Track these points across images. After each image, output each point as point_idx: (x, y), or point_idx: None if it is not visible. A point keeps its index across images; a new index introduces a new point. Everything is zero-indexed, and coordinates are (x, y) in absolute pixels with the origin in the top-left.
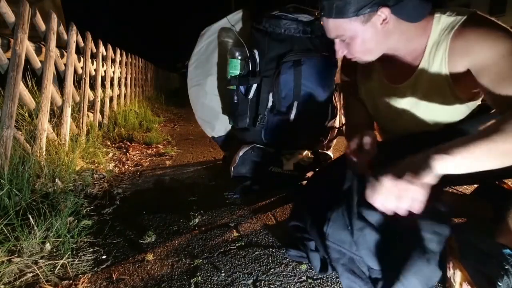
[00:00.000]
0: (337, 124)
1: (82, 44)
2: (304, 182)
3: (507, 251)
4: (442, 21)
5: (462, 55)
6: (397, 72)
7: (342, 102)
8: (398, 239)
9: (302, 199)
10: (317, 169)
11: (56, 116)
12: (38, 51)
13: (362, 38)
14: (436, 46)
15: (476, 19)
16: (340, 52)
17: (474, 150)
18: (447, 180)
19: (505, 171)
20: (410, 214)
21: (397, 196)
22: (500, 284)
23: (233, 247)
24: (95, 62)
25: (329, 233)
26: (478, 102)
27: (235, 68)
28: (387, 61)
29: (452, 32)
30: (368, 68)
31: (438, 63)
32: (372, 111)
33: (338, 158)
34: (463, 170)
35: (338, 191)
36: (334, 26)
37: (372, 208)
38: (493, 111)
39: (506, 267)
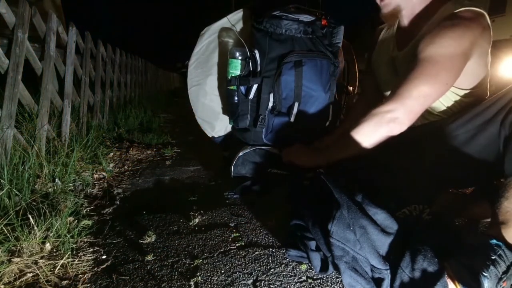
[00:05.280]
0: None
1: (82, 44)
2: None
3: (494, 241)
4: (451, 8)
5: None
6: (402, 39)
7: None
8: (402, 238)
9: (303, 198)
10: (318, 170)
11: (56, 116)
12: (38, 51)
13: None
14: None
15: (455, 17)
16: None
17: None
18: (449, 181)
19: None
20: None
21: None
22: (485, 274)
23: (233, 247)
24: (95, 62)
25: (333, 231)
26: (464, 90)
27: (235, 68)
28: (399, 29)
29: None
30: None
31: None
32: (381, 85)
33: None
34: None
35: (340, 191)
36: None
37: (376, 207)
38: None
39: (493, 257)
